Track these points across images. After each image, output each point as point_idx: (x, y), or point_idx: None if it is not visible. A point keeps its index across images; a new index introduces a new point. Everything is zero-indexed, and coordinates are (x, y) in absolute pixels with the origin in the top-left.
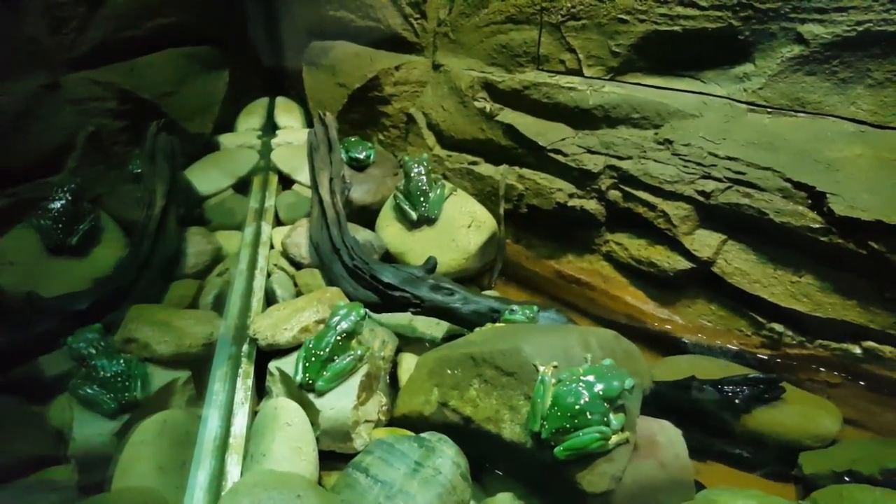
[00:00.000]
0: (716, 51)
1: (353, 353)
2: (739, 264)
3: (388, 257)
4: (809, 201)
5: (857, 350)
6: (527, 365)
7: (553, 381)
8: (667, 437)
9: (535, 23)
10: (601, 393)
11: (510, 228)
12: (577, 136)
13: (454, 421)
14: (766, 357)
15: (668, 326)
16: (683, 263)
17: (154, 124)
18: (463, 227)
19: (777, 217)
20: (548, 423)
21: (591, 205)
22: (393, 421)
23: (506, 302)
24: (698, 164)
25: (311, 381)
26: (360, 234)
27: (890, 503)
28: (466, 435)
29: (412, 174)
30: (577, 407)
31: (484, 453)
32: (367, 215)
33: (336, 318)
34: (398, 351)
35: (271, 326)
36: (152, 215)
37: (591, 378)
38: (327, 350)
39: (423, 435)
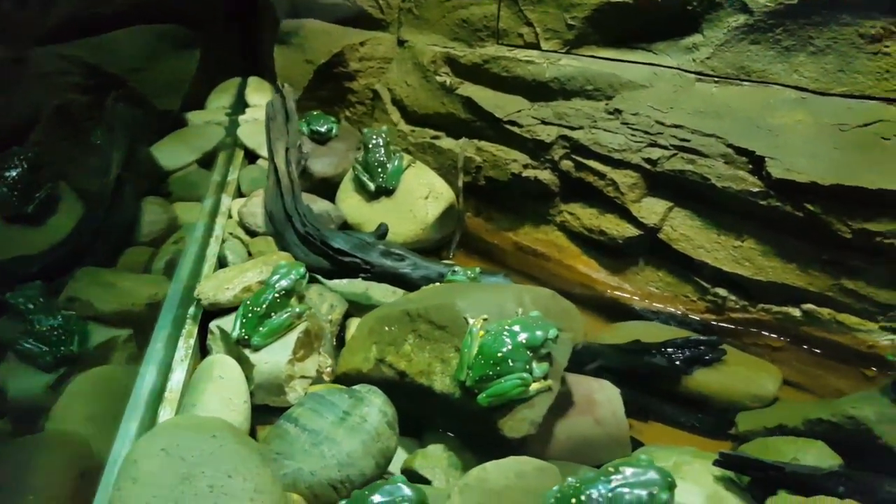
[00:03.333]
0: (667, 22)
1: (290, 310)
2: (685, 230)
3: (347, 228)
4: (750, 166)
5: (797, 313)
6: (459, 318)
7: (481, 332)
8: (605, 395)
9: None
10: (524, 341)
11: (471, 202)
12: (533, 108)
13: (390, 376)
14: (711, 322)
15: (619, 294)
16: (632, 231)
17: (112, 95)
18: (420, 198)
19: (719, 182)
20: (472, 371)
21: (545, 175)
22: (336, 380)
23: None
24: (646, 132)
25: (247, 337)
26: (316, 204)
27: (811, 451)
28: (402, 389)
29: (370, 145)
30: (499, 354)
31: (420, 408)
32: (327, 188)
33: (276, 277)
34: (348, 316)
35: (214, 287)
36: (107, 183)
37: (516, 328)
38: (264, 306)
39: (354, 387)
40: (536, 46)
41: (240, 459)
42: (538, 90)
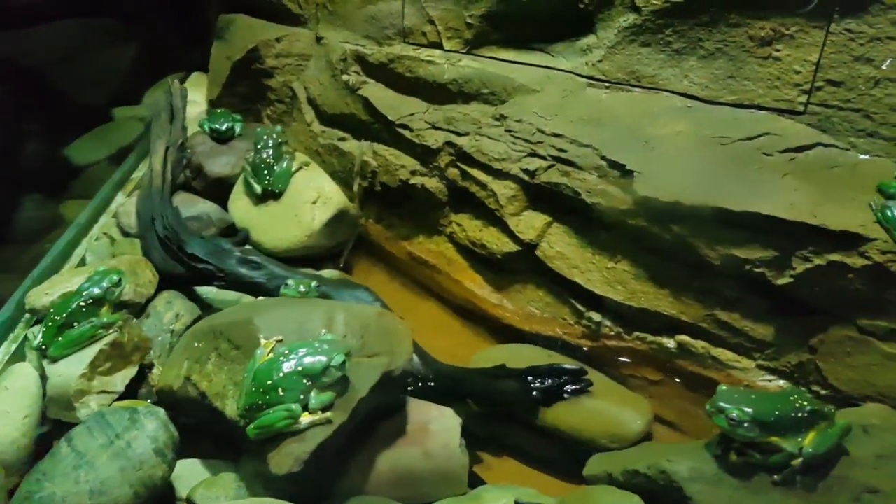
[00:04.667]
0: (563, 21)
1: (95, 320)
2: (561, 248)
3: (233, 232)
4: (622, 181)
5: (671, 344)
6: (254, 338)
7: (268, 355)
8: (442, 425)
9: None
10: (301, 369)
11: (373, 207)
12: (428, 112)
13: (194, 396)
14: (587, 348)
15: (500, 313)
16: (511, 246)
17: None
18: (307, 202)
19: (589, 197)
20: (244, 398)
21: (433, 183)
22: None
23: (320, 279)
24: (527, 140)
25: (44, 346)
26: (198, 206)
27: None
28: (206, 411)
29: (259, 146)
30: (269, 382)
31: (226, 432)
32: (223, 189)
33: (87, 283)
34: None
35: (41, 291)
36: None
37: (300, 352)
38: (64, 315)
39: (139, 406)
40: (439, 46)
41: None
42: (438, 92)
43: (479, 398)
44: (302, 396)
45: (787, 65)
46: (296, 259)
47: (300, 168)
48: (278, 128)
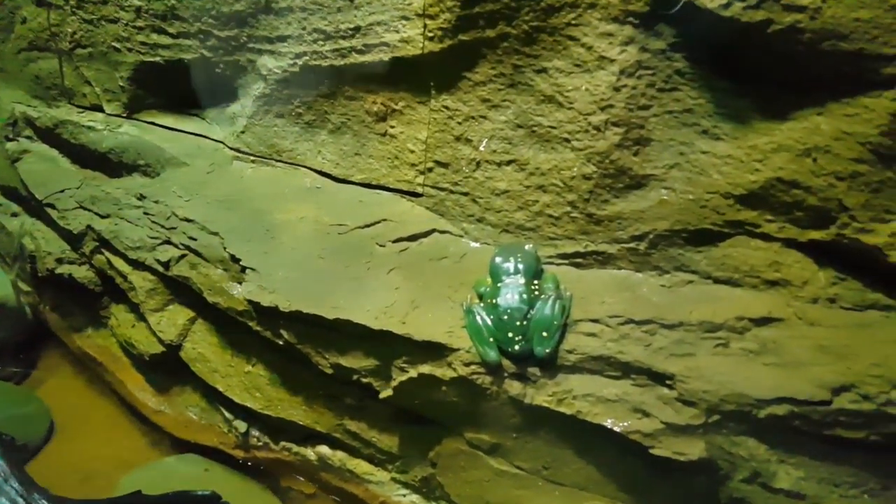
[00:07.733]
0: (209, 86)
1: None
2: (203, 349)
3: None
4: (241, 276)
5: (312, 455)
6: None
7: None
8: None
9: (53, 50)
10: None
11: (50, 294)
12: (80, 188)
13: None
14: (242, 459)
15: (160, 419)
16: (157, 347)
17: None
18: None
19: (210, 296)
20: None
21: (82, 272)
22: None
23: None
24: (162, 226)
25: None
26: None
27: None
28: None
29: None
30: None
31: None
32: None
33: None
34: None
35: None
36: None
37: None
38: None
39: None
40: (101, 109)
41: None
42: (100, 162)
43: None
44: None
45: (402, 143)
46: None
47: None
48: None
